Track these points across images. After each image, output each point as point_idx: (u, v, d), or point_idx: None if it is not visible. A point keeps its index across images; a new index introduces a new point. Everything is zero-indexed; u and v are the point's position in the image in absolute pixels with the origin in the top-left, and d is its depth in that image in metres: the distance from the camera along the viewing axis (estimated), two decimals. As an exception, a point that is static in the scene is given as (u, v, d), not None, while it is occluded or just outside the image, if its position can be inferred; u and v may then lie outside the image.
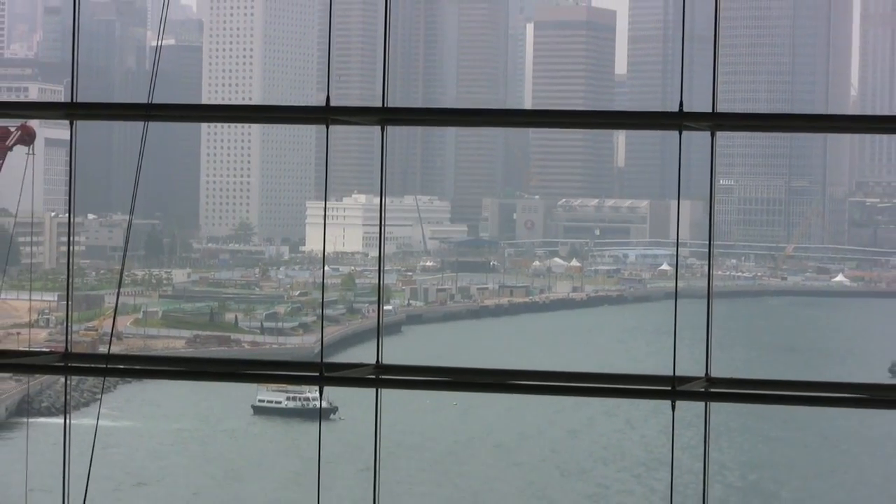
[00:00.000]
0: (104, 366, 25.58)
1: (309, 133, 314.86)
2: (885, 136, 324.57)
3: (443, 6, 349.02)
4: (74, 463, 24.87)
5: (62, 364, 26.26)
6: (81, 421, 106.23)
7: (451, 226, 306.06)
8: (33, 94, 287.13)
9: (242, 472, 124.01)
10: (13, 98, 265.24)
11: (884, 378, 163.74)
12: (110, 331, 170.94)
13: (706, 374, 22.81)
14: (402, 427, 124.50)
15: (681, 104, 22.81)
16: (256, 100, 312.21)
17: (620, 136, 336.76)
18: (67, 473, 24.61)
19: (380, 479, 24.36)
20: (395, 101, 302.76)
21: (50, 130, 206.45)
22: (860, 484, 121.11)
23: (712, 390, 22.86)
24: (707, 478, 23.61)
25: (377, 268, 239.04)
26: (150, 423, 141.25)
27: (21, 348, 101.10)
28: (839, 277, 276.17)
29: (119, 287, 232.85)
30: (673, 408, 22.61)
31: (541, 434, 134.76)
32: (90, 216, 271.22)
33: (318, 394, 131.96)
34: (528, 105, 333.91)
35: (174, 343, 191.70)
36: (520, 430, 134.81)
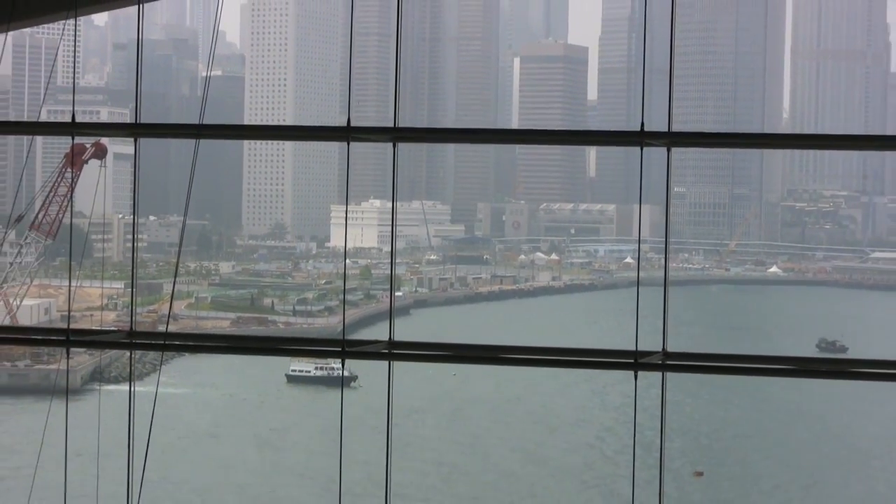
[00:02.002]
0: (163, 342, 25.57)
1: (333, 148, 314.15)
2: (811, 151, 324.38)
3: (445, 43, 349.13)
4: (139, 420, 24.85)
5: (128, 340, 26.26)
6: (144, 388, 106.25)
7: (451, 226, 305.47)
8: (104, 116, 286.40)
9: (277, 429, 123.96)
10: (87, 119, 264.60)
11: (811, 353, 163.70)
12: (168, 313, 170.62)
13: (663, 348, 22.77)
14: (410, 392, 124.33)
15: (642, 124, 22.76)
16: (289, 121, 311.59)
17: (592, 151, 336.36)
18: (132, 431, 24.58)
19: (392, 438, 24.31)
20: (404, 122, 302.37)
21: (118, 147, 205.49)
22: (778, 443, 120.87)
23: (668, 363, 22.83)
24: (663, 444, 23.52)
25: (390, 261, 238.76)
26: (201, 389, 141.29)
27: (93, 327, 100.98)
28: (773, 269, 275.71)
29: (175, 276, 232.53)
30: (636, 378, 22.56)
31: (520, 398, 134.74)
32: (151, 217, 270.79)
33: (340, 365, 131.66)
34: (515, 125, 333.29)
35: (221, 323, 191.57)
36: (507, 395, 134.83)
